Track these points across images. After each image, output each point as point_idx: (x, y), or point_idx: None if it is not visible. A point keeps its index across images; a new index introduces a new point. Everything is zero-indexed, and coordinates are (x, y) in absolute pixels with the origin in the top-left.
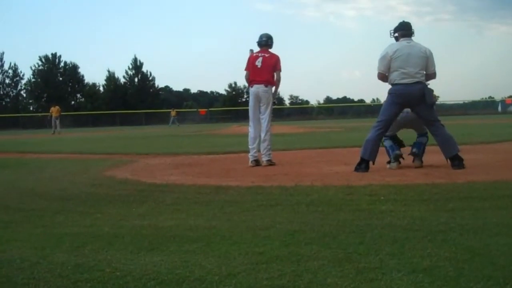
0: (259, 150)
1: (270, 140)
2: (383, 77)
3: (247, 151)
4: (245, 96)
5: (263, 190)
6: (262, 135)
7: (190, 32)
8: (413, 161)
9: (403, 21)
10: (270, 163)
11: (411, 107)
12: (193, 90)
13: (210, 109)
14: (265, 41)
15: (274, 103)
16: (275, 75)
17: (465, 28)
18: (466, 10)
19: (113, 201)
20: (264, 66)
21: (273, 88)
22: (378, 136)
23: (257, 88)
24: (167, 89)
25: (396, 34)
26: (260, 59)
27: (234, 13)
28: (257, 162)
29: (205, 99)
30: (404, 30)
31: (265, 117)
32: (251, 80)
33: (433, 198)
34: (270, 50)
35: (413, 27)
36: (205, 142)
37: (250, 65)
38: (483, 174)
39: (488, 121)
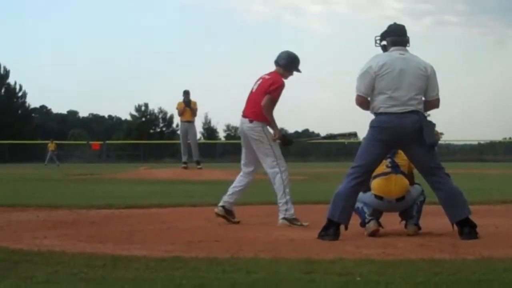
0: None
1: (284, 193)
2: (364, 102)
3: (161, 205)
4: (160, 124)
5: (183, 264)
6: (278, 197)
7: (80, 30)
8: (406, 226)
9: (395, 24)
10: (291, 222)
11: (401, 147)
12: (83, 113)
13: (107, 141)
14: (276, 60)
15: (280, 142)
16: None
17: (480, 36)
18: (481, 11)
19: None
20: (256, 92)
21: (261, 123)
22: (353, 188)
23: (241, 124)
24: (43, 110)
25: (384, 42)
26: (258, 82)
27: (144, 6)
28: (227, 213)
29: (100, 127)
30: (396, 36)
31: (269, 170)
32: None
33: (432, 281)
34: (279, 73)
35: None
36: (98, 190)
37: None
38: (505, 247)
39: None
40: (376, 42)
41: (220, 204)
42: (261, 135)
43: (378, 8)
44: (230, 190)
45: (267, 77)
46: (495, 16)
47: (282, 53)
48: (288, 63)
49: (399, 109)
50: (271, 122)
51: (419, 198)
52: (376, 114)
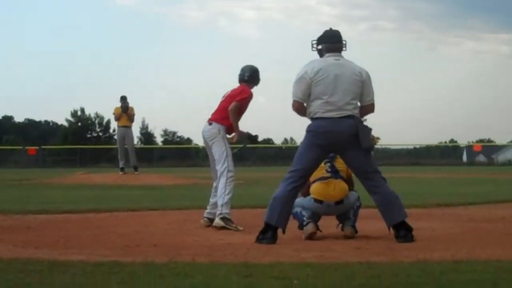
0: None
1: (224, 193)
2: (300, 107)
3: (98, 210)
4: (97, 129)
5: (120, 268)
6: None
7: (13, 32)
8: (342, 228)
9: (330, 29)
10: (226, 223)
11: (338, 151)
12: (18, 118)
13: (43, 146)
14: (241, 78)
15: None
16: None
17: (414, 41)
18: (413, 17)
19: None
20: (225, 100)
21: (220, 126)
22: (290, 193)
23: (202, 131)
24: None
25: (320, 47)
26: (226, 93)
27: (83, 9)
28: (211, 221)
29: (36, 132)
30: (330, 43)
31: (218, 168)
32: None
33: (370, 284)
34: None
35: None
36: (34, 195)
37: None
38: (441, 250)
39: (449, 174)
40: (312, 47)
41: (205, 215)
42: (216, 136)
43: (313, 14)
44: (211, 202)
45: (236, 89)
46: (427, 22)
47: (245, 67)
48: (252, 77)
49: (335, 114)
50: (234, 125)
51: (356, 203)
52: (312, 119)
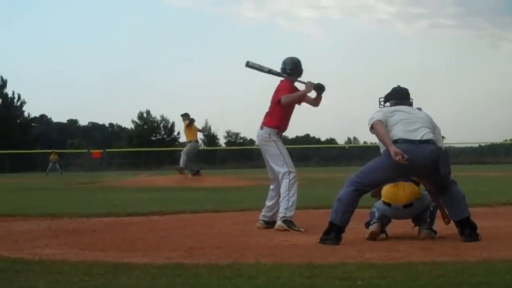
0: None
1: (289, 195)
2: (380, 126)
3: (162, 213)
4: (162, 132)
5: (184, 271)
6: (281, 197)
7: (77, 37)
8: (419, 232)
9: (398, 87)
10: (288, 226)
11: (417, 175)
12: (83, 122)
13: (107, 150)
14: (283, 69)
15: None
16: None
17: (475, 38)
18: (474, 13)
19: None
20: (270, 105)
21: (270, 129)
22: (354, 194)
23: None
24: (43, 120)
25: (388, 104)
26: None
27: (138, 11)
28: (268, 224)
29: (101, 135)
30: (399, 99)
31: (278, 172)
32: None
33: (434, 284)
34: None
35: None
36: (99, 198)
37: None
38: (506, 249)
39: None
40: (380, 104)
41: (260, 218)
42: (268, 140)
43: (370, 12)
44: (267, 205)
45: (276, 88)
46: (488, 18)
47: (286, 60)
48: (294, 69)
49: (415, 135)
50: (298, 96)
51: (433, 203)
52: (393, 142)
